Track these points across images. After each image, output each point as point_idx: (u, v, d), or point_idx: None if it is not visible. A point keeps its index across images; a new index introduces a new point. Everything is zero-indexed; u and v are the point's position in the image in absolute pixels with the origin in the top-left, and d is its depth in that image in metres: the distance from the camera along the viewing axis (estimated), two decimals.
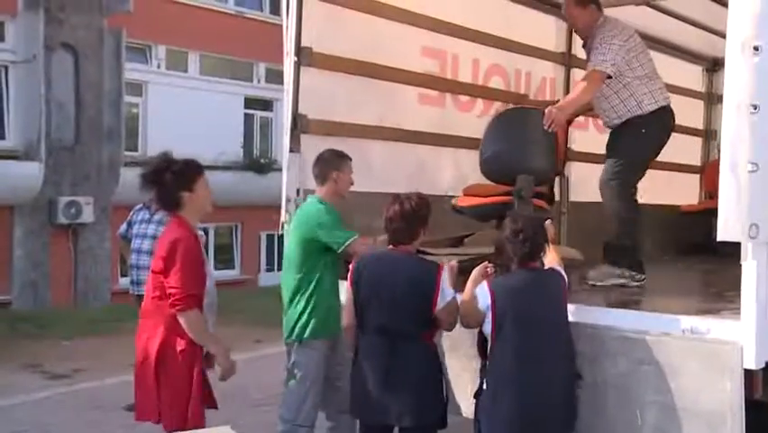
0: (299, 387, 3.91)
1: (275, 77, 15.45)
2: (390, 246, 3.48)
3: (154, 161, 3.56)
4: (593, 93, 4.29)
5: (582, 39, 4.52)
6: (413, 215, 3.41)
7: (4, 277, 11.19)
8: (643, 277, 4.15)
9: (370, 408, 3.40)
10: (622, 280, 4.10)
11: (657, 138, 4.31)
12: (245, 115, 15.13)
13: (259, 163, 14.68)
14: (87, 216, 11.66)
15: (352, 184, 4.03)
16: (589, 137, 5.75)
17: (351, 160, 4.02)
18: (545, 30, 5.89)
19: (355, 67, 4.59)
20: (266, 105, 15.47)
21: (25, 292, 11.31)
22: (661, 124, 4.30)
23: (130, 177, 11.89)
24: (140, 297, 5.89)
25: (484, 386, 3.20)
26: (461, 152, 5.22)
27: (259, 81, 15.28)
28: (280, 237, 4.32)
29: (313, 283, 3.91)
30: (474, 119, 5.42)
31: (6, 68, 11.43)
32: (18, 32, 11.34)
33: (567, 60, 5.94)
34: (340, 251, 3.83)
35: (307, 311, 3.91)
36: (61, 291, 11.50)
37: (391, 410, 3.33)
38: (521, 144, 4.31)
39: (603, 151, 4.43)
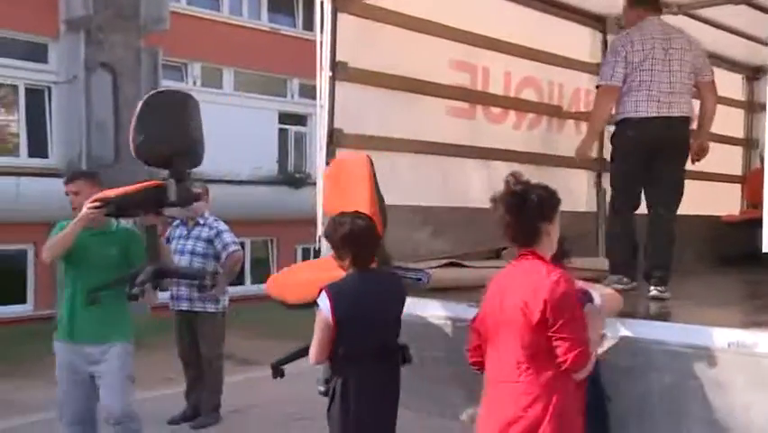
0: None
1: (308, 92, 15.58)
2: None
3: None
4: (600, 107, 4.61)
5: None
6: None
7: (49, 291, 11.37)
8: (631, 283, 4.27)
9: (370, 429, 3.45)
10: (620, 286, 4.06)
11: (619, 149, 4.45)
12: (280, 130, 15.25)
13: (293, 178, 14.78)
14: None
15: None
16: None
17: None
18: (580, 40, 5.85)
19: (388, 81, 4.60)
20: (300, 120, 15.58)
21: None
22: (623, 135, 4.39)
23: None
24: (179, 312, 6.00)
25: None
26: (493, 164, 5.20)
27: (293, 96, 15.40)
28: (317, 251, 4.32)
29: None
30: (507, 131, 5.41)
31: (49, 88, 11.72)
32: (60, 53, 11.61)
33: None
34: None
35: None
36: None
37: (386, 428, 3.50)
38: (175, 127, 4.26)
39: None
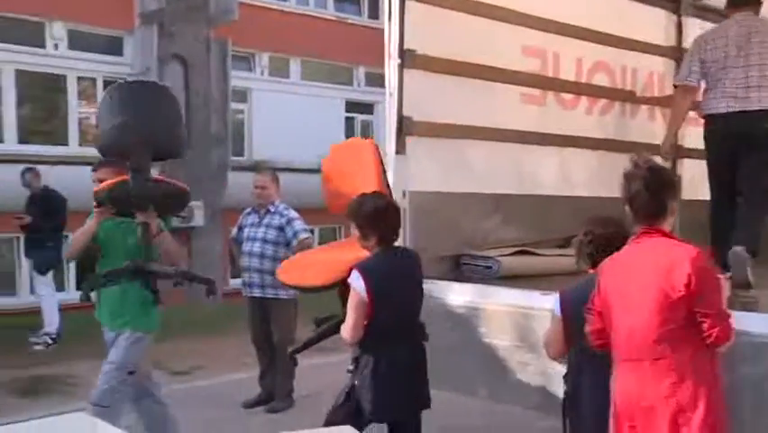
0: None
1: (375, 80, 15.62)
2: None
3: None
4: (678, 106, 4.81)
5: None
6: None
7: None
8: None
9: (402, 406, 3.53)
10: None
11: (706, 143, 4.64)
12: (346, 118, 15.34)
13: None
14: (199, 219, 12.12)
15: None
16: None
17: None
18: (654, 23, 5.71)
19: (457, 67, 4.58)
20: (366, 108, 15.64)
21: None
22: (707, 130, 4.63)
23: (237, 181, 12.43)
24: (252, 298, 6.14)
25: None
26: (565, 150, 5.14)
27: (359, 85, 15.47)
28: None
29: None
30: (579, 117, 5.33)
31: (124, 80, 12.07)
32: (135, 46, 11.96)
33: (677, 54, 5.74)
34: None
35: None
36: (177, 291, 11.95)
37: (418, 403, 3.58)
38: (140, 117, 4.11)
39: None
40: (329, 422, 3.51)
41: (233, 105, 13.15)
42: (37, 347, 8.28)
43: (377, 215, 3.49)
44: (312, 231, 6.47)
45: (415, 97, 4.34)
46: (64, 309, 8.68)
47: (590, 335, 2.91)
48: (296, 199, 6.74)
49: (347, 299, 3.52)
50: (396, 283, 3.49)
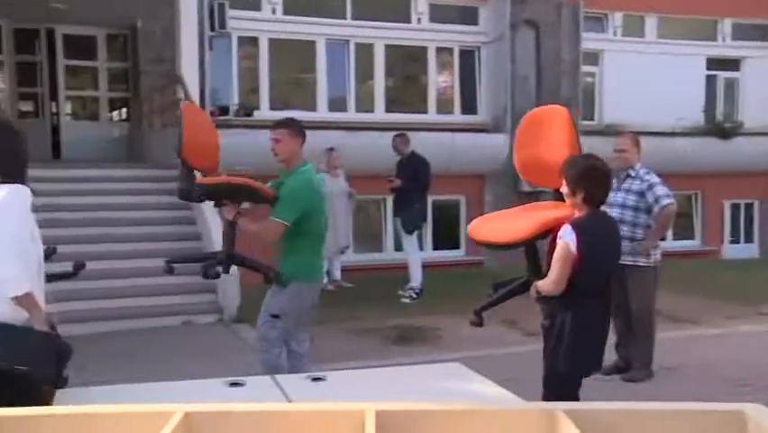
0: None
1: (744, 33, 14.17)
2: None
3: None
4: None
5: None
6: None
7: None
8: None
9: (595, 362, 3.90)
10: None
11: None
12: (707, 76, 14.17)
13: (722, 128, 13.66)
14: None
15: None
16: None
17: None
18: None
19: None
20: (731, 64, 14.27)
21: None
22: None
23: (587, 145, 12.22)
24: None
25: None
26: None
27: (723, 39, 14.14)
28: (747, 206, 4.12)
29: None
30: None
31: (479, 48, 12.56)
32: (488, 14, 12.39)
33: None
34: None
35: None
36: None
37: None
38: None
39: None
40: None
41: (584, 69, 12.93)
42: (404, 300, 9.08)
43: (586, 173, 3.68)
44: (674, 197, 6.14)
45: None
46: (425, 266, 9.42)
47: None
48: (655, 165, 6.43)
49: (533, 260, 3.99)
50: (601, 243, 3.72)
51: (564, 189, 3.77)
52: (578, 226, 3.63)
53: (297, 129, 4.77)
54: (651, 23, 13.75)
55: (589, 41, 12.99)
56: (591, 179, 3.69)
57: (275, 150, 4.72)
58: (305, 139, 4.80)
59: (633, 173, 5.92)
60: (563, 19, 12.51)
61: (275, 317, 4.67)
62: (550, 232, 3.85)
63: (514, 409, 1.90)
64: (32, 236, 3.09)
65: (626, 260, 5.83)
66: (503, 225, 4.29)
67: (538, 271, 4.00)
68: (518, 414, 1.79)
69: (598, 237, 3.69)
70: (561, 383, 3.80)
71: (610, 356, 6.07)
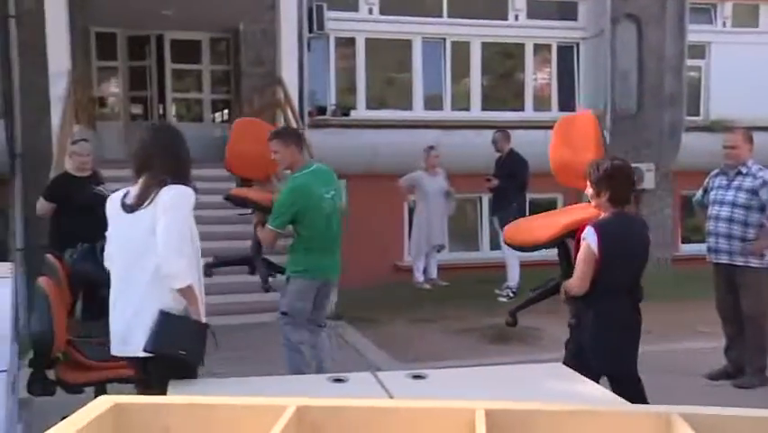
0: None
1: None
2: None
3: None
4: None
5: None
6: None
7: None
8: None
9: (624, 361, 3.88)
10: None
11: None
12: None
13: None
14: (649, 182, 11.87)
15: None
16: None
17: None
18: None
19: None
20: None
21: None
22: None
23: (690, 142, 11.80)
24: (718, 265, 5.79)
25: None
26: None
27: None
28: None
29: None
30: None
31: (577, 44, 12.30)
32: (588, 10, 12.12)
33: None
34: None
35: None
36: None
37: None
38: None
39: None
40: None
41: (689, 62, 12.45)
42: (501, 299, 9.00)
43: (611, 174, 3.77)
44: None
45: None
46: (523, 266, 9.29)
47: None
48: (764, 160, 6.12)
49: (566, 261, 4.03)
50: (625, 243, 3.78)
51: (589, 191, 3.89)
52: (599, 227, 3.76)
53: (288, 136, 5.11)
54: (765, 12, 13.09)
55: (695, 33, 12.50)
56: (615, 179, 3.79)
57: (276, 161, 5.09)
58: (300, 142, 5.14)
59: (744, 170, 5.68)
60: (668, 11, 12.11)
61: (284, 314, 5.04)
62: (575, 232, 4.03)
63: (627, 411, 1.85)
64: (192, 234, 3.37)
65: (738, 260, 5.63)
66: (532, 226, 4.62)
67: (570, 273, 4.08)
68: (632, 417, 1.75)
69: (620, 237, 3.78)
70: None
71: (719, 360, 5.87)
